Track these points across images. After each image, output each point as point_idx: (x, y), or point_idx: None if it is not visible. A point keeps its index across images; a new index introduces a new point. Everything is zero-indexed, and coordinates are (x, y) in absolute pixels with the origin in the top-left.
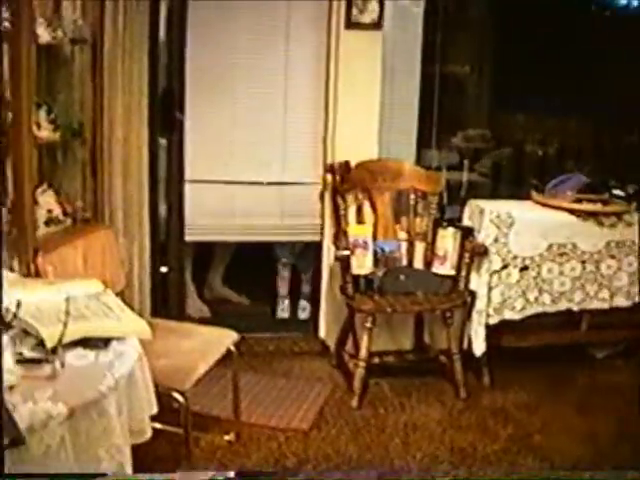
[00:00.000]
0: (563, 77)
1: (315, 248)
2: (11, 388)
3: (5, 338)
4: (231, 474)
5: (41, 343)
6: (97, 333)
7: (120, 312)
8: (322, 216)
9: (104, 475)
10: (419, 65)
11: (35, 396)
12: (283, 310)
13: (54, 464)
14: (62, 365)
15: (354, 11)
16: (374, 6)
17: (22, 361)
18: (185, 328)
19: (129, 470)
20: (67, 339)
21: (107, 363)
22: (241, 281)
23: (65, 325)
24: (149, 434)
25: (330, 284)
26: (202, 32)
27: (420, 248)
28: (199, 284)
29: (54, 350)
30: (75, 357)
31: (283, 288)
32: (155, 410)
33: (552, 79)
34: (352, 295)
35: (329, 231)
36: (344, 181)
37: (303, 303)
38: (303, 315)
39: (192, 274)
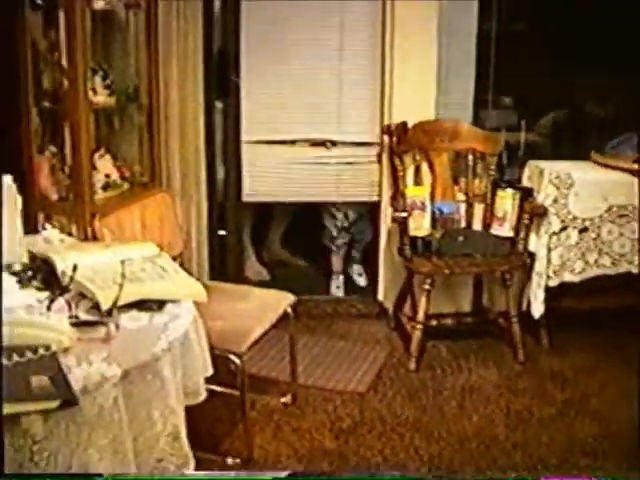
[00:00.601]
0: (627, 34)
1: (370, 218)
2: (65, 350)
3: (61, 301)
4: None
5: (96, 306)
6: (152, 295)
7: (175, 275)
8: (380, 177)
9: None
10: (475, 25)
11: (89, 358)
12: (338, 288)
13: (107, 425)
14: (117, 327)
15: None
16: None
17: (77, 324)
18: (241, 290)
19: (183, 432)
20: (122, 302)
21: (161, 325)
22: (299, 244)
23: (120, 287)
24: (203, 396)
25: (388, 247)
26: None
27: (479, 209)
28: (257, 247)
29: (109, 312)
30: (130, 319)
31: (337, 264)
32: (210, 372)
33: (614, 37)
34: (410, 257)
35: (387, 193)
36: (401, 142)
37: (358, 268)
38: (361, 281)
39: (251, 237)
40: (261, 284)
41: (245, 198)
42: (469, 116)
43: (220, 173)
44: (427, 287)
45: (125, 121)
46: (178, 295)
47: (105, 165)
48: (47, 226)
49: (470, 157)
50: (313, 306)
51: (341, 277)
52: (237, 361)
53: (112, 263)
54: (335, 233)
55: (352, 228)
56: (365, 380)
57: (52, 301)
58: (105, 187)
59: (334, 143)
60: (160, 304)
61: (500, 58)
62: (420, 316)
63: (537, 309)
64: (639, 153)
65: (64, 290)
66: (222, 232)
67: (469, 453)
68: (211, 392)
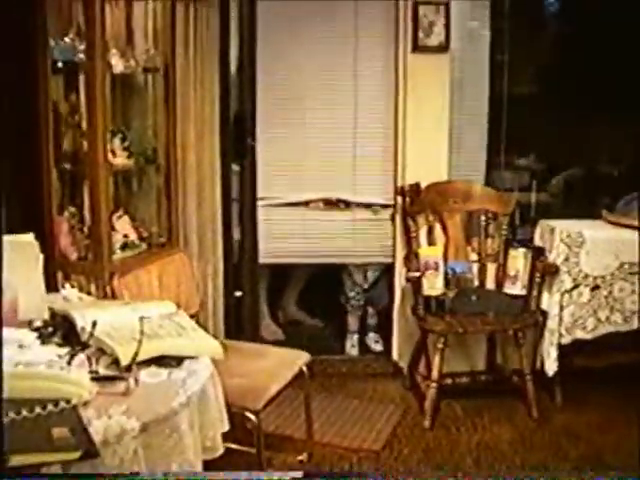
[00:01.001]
0: (637, 93)
1: (387, 279)
2: (85, 404)
3: (81, 356)
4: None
5: (115, 361)
6: (171, 352)
7: (193, 332)
8: (394, 238)
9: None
10: (487, 86)
11: (109, 411)
12: (353, 347)
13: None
14: (136, 382)
15: (420, 34)
16: (440, 29)
17: (97, 378)
18: (258, 349)
19: None
20: (141, 357)
21: (180, 380)
22: (315, 304)
23: (140, 343)
24: (221, 450)
25: (402, 306)
26: (272, 58)
27: (491, 269)
28: (273, 307)
29: (128, 368)
30: (148, 375)
31: (353, 325)
32: (227, 427)
33: (625, 96)
34: (424, 316)
35: (400, 253)
36: (414, 203)
37: (374, 336)
38: (377, 347)
39: (266, 297)
40: (276, 344)
41: (261, 260)
42: (481, 177)
43: (236, 234)
44: (441, 346)
45: (143, 183)
46: (196, 352)
47: (123, 226)
48: (66, 285)
49: (483, 217)
50: (328, 365)
51: (356, 336)
52: (253, 418)
53: (131, 320)
54: (352, 293)
55: (370, 291)
56: (380, 438)
57: (72, 356)
58: (123, 247)
59: (348, 204)
60: (179, 360)
61: (511, 119)
62: (434, 375)
63: (550, 367)
64: None
65: (84, 346)
66: (238, 293)
67: None
68: (228, 450)
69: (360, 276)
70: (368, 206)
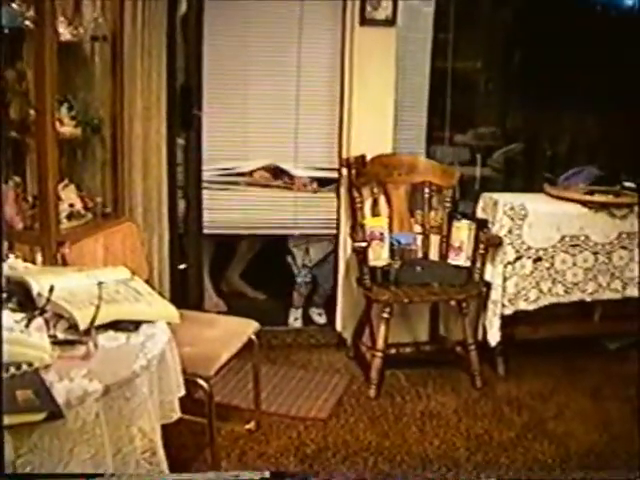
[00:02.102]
0: (575, 73)
1: (334, 264)
2: (46, 367)
3: (39, 320)
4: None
5: (73, 326)
6: (128, 316)
7: (149, 297)
8: (337, 210)
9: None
10: (429, 62)
11: (70, 375)
12: (296, 319)
13: (89, 440)
14: (95, 346)
15: (368, 8)
16: (388, 3)
17: (57, 342)
18: (208, 318)
19: (160, 449)
20: (99, 321)
21: (139, 344)
22: (259, 279)
23: (98, 308)
24: (178, 414)
25: (346, 278)
26: (218, 29)
27: (435, 240)
28: (216, 280)
29: (87, 332)
30: (107, 339)
31: (297, 301)
32: (183, 392)
33: (564, 75)
34: (369, 286)
35: (345, 225)
36: (360, 175)
37: (318, 310)
38: (320, 320)
39: (210, 270)
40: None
41: (206, 230)
42: (422, 152)
43: (182, 205)
44: (386, 315)
45: (89, 152)
46: (153, 316)
47: (69, 195)
48: (10, 256)
49: (426, 190)
50: (272, 336)
51: (300, 310)
52: (205, 385)
53: (87, 285)
54: (296, 270)
55: (314, 270)
56: (326, 407)
57: (30, 321)
58: (69, 217)
59: (291, 176)
60: (136, 325)
61: (455, 95)
62: (380, 344)
63: (493, 337)
64: (590, 185)
65: (41, 311)
66: (182, 266)
67: (432, 475)
68: (177, 420)
69: (301, 252)
70: (313, 179)
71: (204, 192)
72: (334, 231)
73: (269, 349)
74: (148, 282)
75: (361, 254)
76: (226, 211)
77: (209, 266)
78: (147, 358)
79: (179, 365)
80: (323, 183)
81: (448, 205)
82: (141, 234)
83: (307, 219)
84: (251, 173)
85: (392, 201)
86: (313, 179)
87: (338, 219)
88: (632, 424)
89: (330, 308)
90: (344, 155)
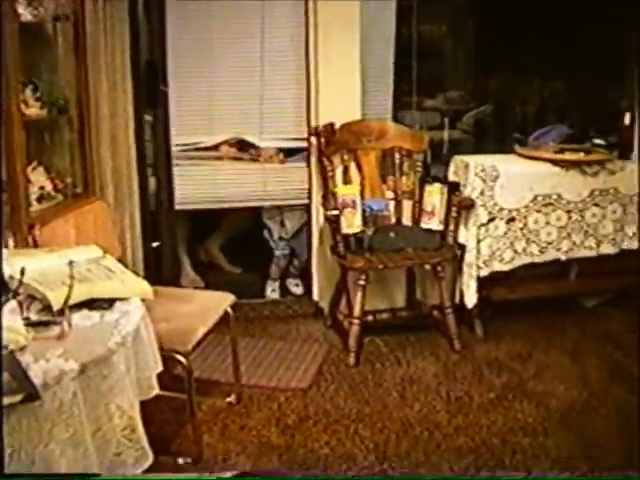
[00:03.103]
0: (543, 35)
1: (307, 228)
2: (22, 349)
3: (13, 303)
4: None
5: (47, 307)
6: (101, 294)
7: (122, 274)
8: (309, 179)
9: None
10: (394, 28)
11: (46, 355)
12: (274, 291)
13: (67, 419)
14: (70, 326)
15: None
16: None
17: (31, 324)
18: (183, 293)
19: (139, 425)
20: (72, 301)
21: (113, 322)
22: (237, 253)
23: (70, 287)
24: (156, 390)
25: (320, 247)
26: (181, 2)
27: (408, 205)
28: (194, 256)
29: (61, 312)
30: (81, 318)
31: (274, 273)
32: (160, 368)
33: (532, 38)
34: (343, 254)
35: (317, 194)
36: (329, 143)
37: (295, 280)
38: (297, 290)
39: (187, 246)
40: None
41: (178, 206)
42: (389, 117)
43: (152, 182)
44: (362, 283)
45: (56, 133)
46: (126, 293)
47: (38, 178)
48: None
49: (397, 155)
50: (249, 309)
51: (277, 282)
52: (183, 360)
53: (59, 265)
54: (273, 244)
55: (292, 241)
56: (306, 377)
57: (3, 303)
58: (39, 199)
59: (258, 148)
60: (110, 303)
61: (422, 60)
62: (357, 311)
63: (470, 299)
64: (561, 143)
65: (15, 293)
66: (156, 243)
67: (414, 439)
68: (156, 397)
69: (277, 226)
70: (281, 150)
71: (174, 168)
72: (306, 201)
73: (247, 322)
74: (121, 261)
75: (334, 222)
76: (197, 186)
77: (186, 242)
78: (122, 335)
79: (155, 341)
80: (293, 153)
81: (419, 170)
82: (112, 213)
83: (277, 190)
84: (218, 147)
85: (363, 168)
86: (281, 150)
87: (310, 189)
88: (610, 381)
89: (307, 278)
90: (312, 124)
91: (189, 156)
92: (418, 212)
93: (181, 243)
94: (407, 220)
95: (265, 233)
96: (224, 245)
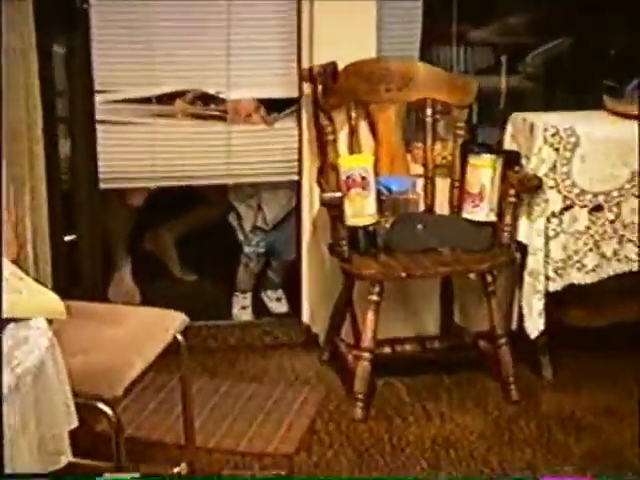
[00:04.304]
0: None
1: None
2: None
3: None
4: None
5: None
6: None
7: (19, 283)
8: (299, 147)
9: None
10: None
11: None
12: (244, 309)
13: None
14: None
15: None
16: None
17: None
18: (111, 311)
19: None
20: None
21: (4, 353)
22: (188, 253)
23: None
24: (69, 457)
25: (314, 244)
26: None
27: (443, 185)
28: (135, 255)
29: None
30: None
31: (244, 281)
32: (75, 423)
33: None
34: (348, 256)
35: (311, 167)
36: (330, 92)
37: (275, 293)
38: (280, 307)
39: (126, 241)
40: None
41: (103, 184)
42: (417, 55)
43: (66, 147)
44: (375, 298)
45: None
46: (25, 311)
47: None
48: None
49: (429, 111)
50: (209, 335)
51: (248, 295)
52: (109, 412)
53: None
54: (241, 236)
55: (270, 235)
56: (292, 437)
57: None
58: None
59: (223, 101)
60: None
61: None
62: (366, 341)
63: (533, 325)
64: None
65: None
66: (70, 237)
67: None
68: (69, 466)
69: (250, 211)
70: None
71: (99, 127)
72: (294, 177)
73: (205, 354)
74: (16, 263)
75: (335, 209)
76: (130, 156)
77: (126, 236)
78: (16, 373)
79: (67, 383)
80: (274, 108)
81: (461, 133)
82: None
83: (252, 161)
84: (168, 100)
85: (378, 130)
86: (260, 102)
87: (300, 159)
88: None
89: (293, 290)
90: (305, 64)
91: (122, 111)
92: (459, 195)
93: (117, 237)
94: (442, 207)
95: (232, 220)
96: (180, 241)
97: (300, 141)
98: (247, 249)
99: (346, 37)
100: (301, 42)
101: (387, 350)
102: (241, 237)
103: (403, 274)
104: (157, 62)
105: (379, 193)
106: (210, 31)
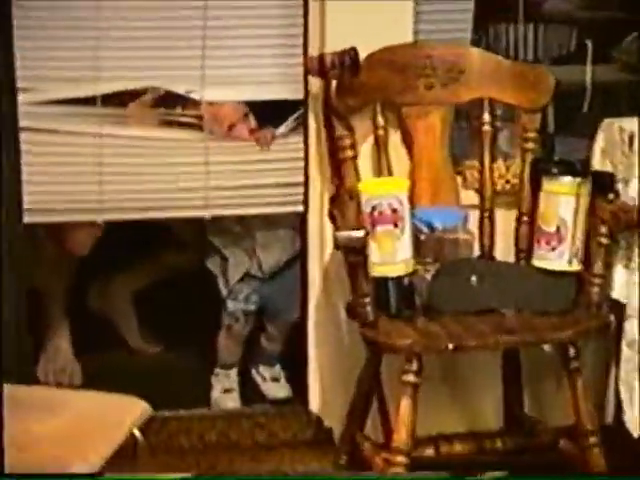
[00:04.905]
0: None
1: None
2: None
3: None
4: None
5: None
6: None
7: None
8: (305, 167)
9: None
10: None
11: None
12: (228, 392)
13: None
14: None
15: None
16: None
17: None
18: (43, 396)
19: None
20: None
21: None
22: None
23: None
24: None
25: (326, 302)
26: None
27: (507, 220)
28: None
29: None
30: None
31: (229, 352)
32: None
33: None
34: (373, 319)
35: (319, 195)
36: (348, 91)
37: (272, 370)
38: (279, 392)
39: (65, 297)
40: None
41: (27, 217)
42: (468, 37)
43: None
44: (411, 379)
45: None
46: None
47: None
48: None
49: (487, 117)
50: (180, 430)
51: (233, 373)
52: None
53: None
54: (223, 288)
55: (264, 286)
56: None
57: None
58: None
59: (197, 104)
60: None
61: None
62: (401, 439)
63: (636, 418)
64: None
65: None
66: None
67: None
68: None
69: (239, 255)
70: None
71: (22, 139)
72: (298, 208)
73: (174, 455)
74: None
75: (355, 253)
76: (65, 179)
77: (61, 289)
78: None
79: None
80: (268, 115)
81: (532, 147)
82: None
83: (236, 187)
84: (112, 102)
85: (416, 143)
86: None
87: (306, 183)
88: None
89: (296, 366)
90: (314, 51)
91: (55, 116)
92: (529, 234)
93: (50, 292)
94: (505, 251)
95: (211, 266)
96: (139, 297)
97: (306, 158)
98: (232, 306)
99: (371, 13)
100: (307, 19)
101: (429, 452)
102: (224, 290)
103: (451, 345)
104: (102, 48)
105: (417, 231)
106: (179, 4)
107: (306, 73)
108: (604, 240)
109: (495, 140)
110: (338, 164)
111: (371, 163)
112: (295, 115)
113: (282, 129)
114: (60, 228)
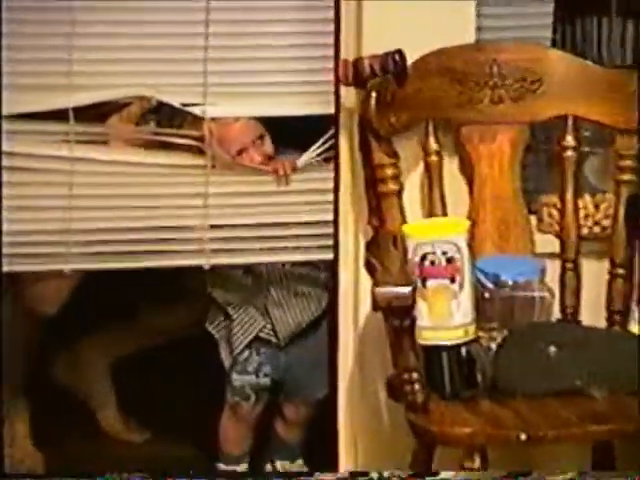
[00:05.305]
0: None
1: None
2: None
3: None
4: None
5: None
6: None
7: None
8: (335, 202)
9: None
10: None
11: None
12: None
13: None
14: None
15: None
16: None
17: None
18: None
19: None
20: None
21: None
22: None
23: None
24: None
25: (361, 375)
26: None
27: (596, 273)
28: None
29: None
30: None
31: (236, 443)
32: None
33: None
34: (423, 401)
35: (352, 239)
36: (391, 105)
37: (294, 465)
38: None
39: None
40: None
41: (7, 265)
42: (549, 37)
43: None
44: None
45: None
46: None
47: None
48: None
49: (570, 140)
50: None
51: (241, 469)
52: None
53: None
54: (225, 358)
55: (282, 357)
56: None
57: None
58: None
59: (199, 121)
60: None
61: None
62: None
63: None
64: None
65: None
66: None
67: None
68: None
69: (250, 315)
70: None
71: (4, 163)
72: (326, 255)
73: None
74: None
75: (399, 315)
76: (25, 215)
77: (18, 360)
78: None
79: None
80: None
81: (630, 179)
82: None
83: (240, 227)
84: (86, 117)
85: (479, 173)
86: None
87: (336, 224)
88: None
89: (323, 459)
90: (348, 54)
91: (12, 134)
92: (625, 292)
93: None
94: (593, 313)
95: (212, 329)
96: (119, 369)
97: (336, 191)
98: (238, 380)
99: (420, 6)
100: (339, 15)
101: None
102: (227, 359)
103: (523, 436)
104: (76, 48)
105: (479, 287)
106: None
107: (337, 82)
108: None
109: (581, 170)
110: (378, 199)
111: (420, 198)
112: (324, 137)
113: (306, 156)
114: (18, 279)
